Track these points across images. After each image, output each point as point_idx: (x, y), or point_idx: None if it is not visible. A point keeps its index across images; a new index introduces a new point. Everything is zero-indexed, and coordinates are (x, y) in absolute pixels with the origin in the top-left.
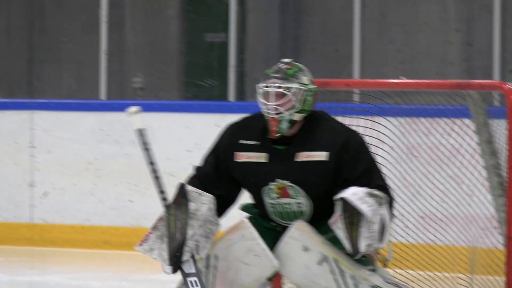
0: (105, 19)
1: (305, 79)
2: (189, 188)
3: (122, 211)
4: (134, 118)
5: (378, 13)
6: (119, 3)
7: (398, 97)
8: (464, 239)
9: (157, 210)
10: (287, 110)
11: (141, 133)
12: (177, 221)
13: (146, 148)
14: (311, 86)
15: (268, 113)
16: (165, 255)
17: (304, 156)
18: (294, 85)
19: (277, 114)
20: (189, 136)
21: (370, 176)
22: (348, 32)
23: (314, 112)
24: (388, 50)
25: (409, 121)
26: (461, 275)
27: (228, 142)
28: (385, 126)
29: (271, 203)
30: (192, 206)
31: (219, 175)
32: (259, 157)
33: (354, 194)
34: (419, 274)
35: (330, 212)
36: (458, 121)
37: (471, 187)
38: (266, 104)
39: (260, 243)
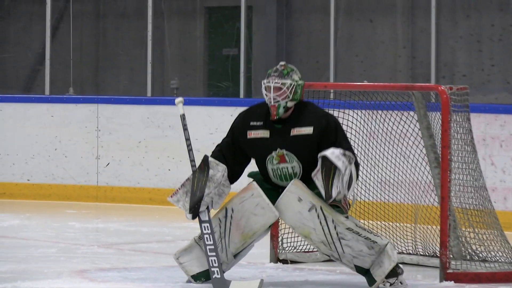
0: (150, 38)
1: (295, 76)
2: (210, 159)
3: (163, 176)
4: (179, 106)
5: (347, 34)
6: (161, 26)
7: (362, 95)
8: (410, 198)
9: (186, 175)
10: (283, 99)
11: (182, 117)
12: (199, 182)
13: (184, 128)
14: (300, 82)
15: (270, 101)
16: (187, 205)
17: (296, 131)
18: (288, 81)
19: (275, 102)
20: (211, 123)
21: (344, 145)
22: (326, 48)
23: (302, 101)
24: (354, 61)
25: (370, 112)
26: (407, 225)
27: (241, 124)
28: (352, 117)
29: (272, 168)
30: (210, 172)
31: (233, 151)
32: (264, 133)
33: (332, 153)
34: (377, 224)
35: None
36: (405, 113)
37: (415, 161)
38: (267, 95)
39: (265, 199)
